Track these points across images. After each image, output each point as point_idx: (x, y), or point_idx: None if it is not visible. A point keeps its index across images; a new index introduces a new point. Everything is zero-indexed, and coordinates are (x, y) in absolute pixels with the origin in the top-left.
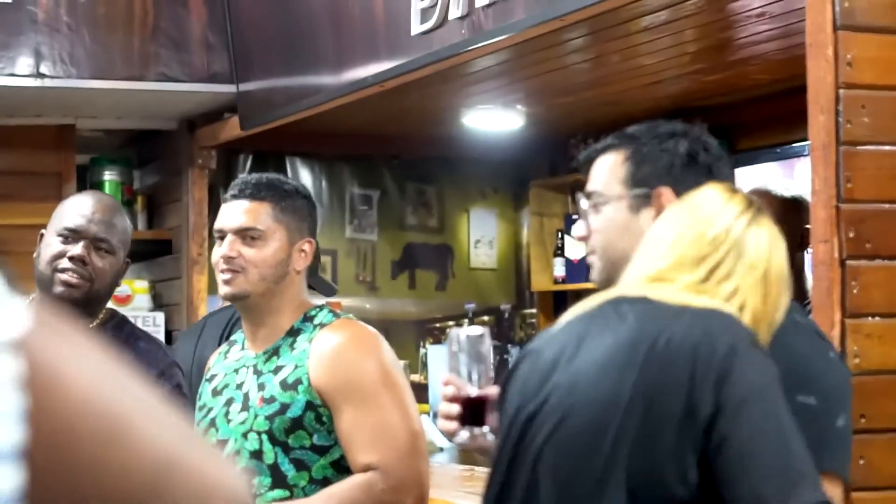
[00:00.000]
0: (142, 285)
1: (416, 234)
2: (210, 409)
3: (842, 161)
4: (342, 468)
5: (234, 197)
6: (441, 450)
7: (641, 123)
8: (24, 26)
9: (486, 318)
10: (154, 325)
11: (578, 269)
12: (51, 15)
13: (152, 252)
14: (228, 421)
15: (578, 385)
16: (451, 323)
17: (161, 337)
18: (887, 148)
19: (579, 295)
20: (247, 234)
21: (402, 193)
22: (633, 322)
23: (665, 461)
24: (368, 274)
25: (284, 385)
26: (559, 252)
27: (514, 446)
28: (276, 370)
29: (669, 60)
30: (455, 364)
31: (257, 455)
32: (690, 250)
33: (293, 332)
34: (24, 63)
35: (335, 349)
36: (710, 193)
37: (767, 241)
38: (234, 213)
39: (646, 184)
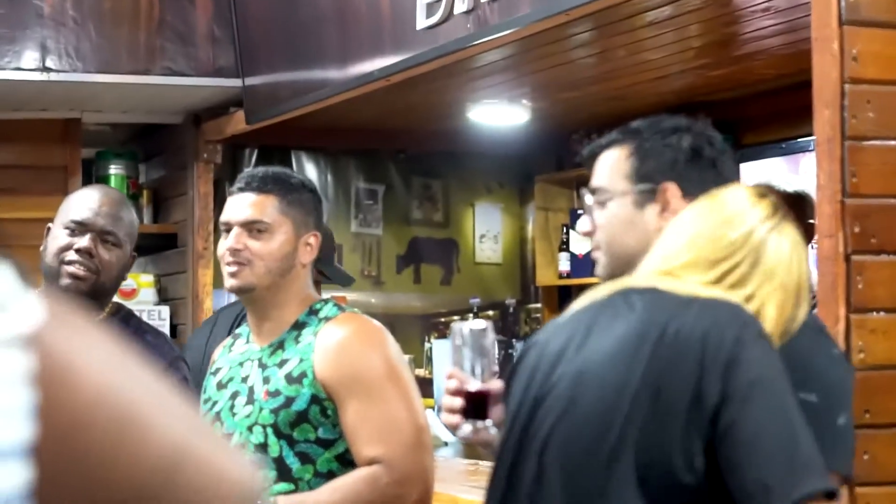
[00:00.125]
0: (147, 279)
1: (421, 228)
2: (215, 403)
3: (847, 156)
4: (347, 462)
5: (241, 190)
6: (445, 444)
7: (645, 118)
8: (29, 20)
9: (490, 312)
10: (159, 318)
11: (583, 264)
12: (57, 9)
13: (157, 246)
14: (234, 414)
15: (587, 373)
16: (455, 317)
17: (166, 331)
18: (892, 143)
19: (584, 289)
20: (253, 227)
21: (408, 188)
22: (642, 311)
23: (673, 448)
24: (373, 268)
25: (289, 378)
26: (564, 247)
27: (520, 434)
28: (282, 363)
29: (674, 55)
30: (458, 358)
31: (262, 448)
32: (706, 251)
33: (298, 326)
34: (30, 57)
35: (340, 343)
36: (737, 194)
37: (789, 249)
38: (241, 205)
39: (650, 179)
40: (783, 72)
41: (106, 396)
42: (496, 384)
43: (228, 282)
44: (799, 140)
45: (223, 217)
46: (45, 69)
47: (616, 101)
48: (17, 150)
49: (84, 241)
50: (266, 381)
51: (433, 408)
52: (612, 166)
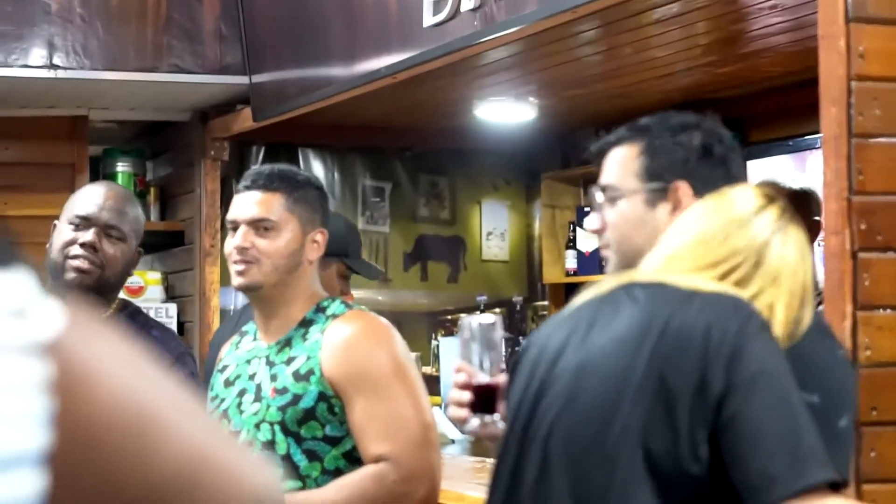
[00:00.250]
0: (154, 276)
1: (428, 226)
2: (222, 400)
3: (853, 153)
4: (354, 459)
5: (247, 188)
6: (452, 442)
7: (653, 115)
8: (37, 18)
9: (497, 310)
10: (166, 316)
11: (590, 262)
12: (64, 6)
13: (165, 243)
14: (241, 412)
15: (589, 365)
16: (462, 315)
17: (174, 328)
18: None
19: None
20: (260, 225)
21: (415, 185)
22: (645, 304)
23: (678, 438)
24: (380, 266)
25: (297, 376)
26: (571, 244)
27: (523, 428)
28: (289, 361)
29: (681, 53)
30: (467, 352)
31: (270, 446)
32: (709, 250)
33: (305, 323)
34: (38, 54)
35: (348, 340)
36: (744, 195)
37: (793, 252)
38: (247, 204)
39: (661, 178)
40: (790, 69)
41: (124, 404)
42: (504, 378)
43: (236, 280)
44: (806, 137)
45: (230, 215)
46: (53, 66)
47: (622, 98)
48: (24, 148)
49: (88, 236)
50: (273, 378)
51: (440, 405)
52: (622, 164)
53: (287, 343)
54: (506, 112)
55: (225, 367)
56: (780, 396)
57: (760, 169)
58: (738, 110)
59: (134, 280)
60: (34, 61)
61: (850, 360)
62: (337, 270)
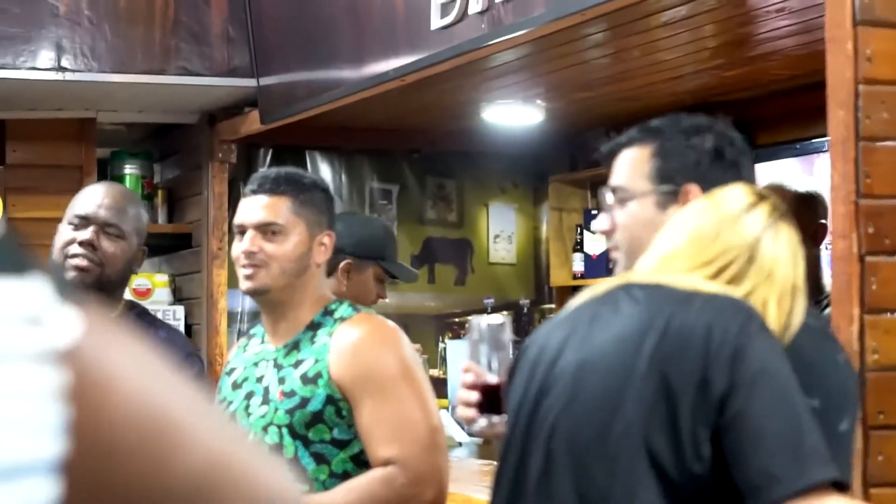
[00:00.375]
0: (162, 279)
1: (435, 228)
2: (230, 403)
3: (861, 156)
4: (362, 462)
5: (254, 192)
6: (460, 444)
7: (665, 117)
8: (45, 20)
9: (504, 312)
10: (174, 318)
11: (597, 265)
12: (72, 9)
13: (172, 246)
14: (248, 414)
15: (590, 363)
16: (470, 317)
17: (182, 331)
18: None
19: None
20: (267, 229)
21: (422, 188)
22: (645, 303)
23: (680, 437)
24: None
25: (305, 379)
26: (578, 247)
27: (526, 427)
28: (297, 364)
29: (689, 56)
30: (475, 352)
31: (277, 449)
32: (702, 249)
33: (313, 326)
34: (46, 57)
35: (355, 343)
36: (735, 194)
37: (784, 249)
38: (254, 208)
39: (673, 180)
40: (797, 72)
41: (141, 410)
42: None
43: (244, 284)
44: (813, 140)
45: (237, 219)
46: (61, 69)
47: (630, 101)
48: (32, 150)
49: (86, 234)
50: (281, 381)
51: (447, 408)
52: (633, 166)
53: (295, 346)
54: (513, 115)
55: (232, 370)
56: (782, 396)
57: (768, 172)
58: (746, 113)
59: (141, 282)
60: (42, 63)
61: (852, 364)
62: (373, 273)
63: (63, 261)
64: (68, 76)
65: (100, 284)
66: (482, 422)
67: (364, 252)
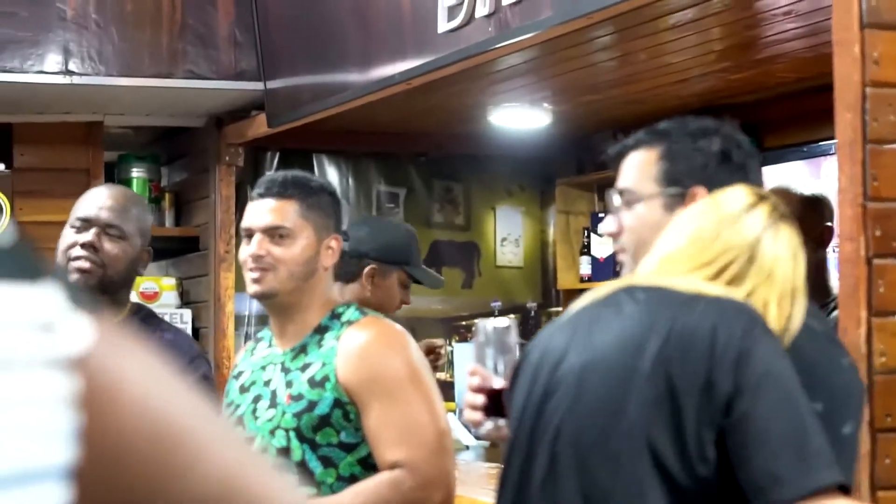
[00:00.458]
0: (169, 282)
1: (442, 231)
2: (237, 406)
3: (868, 159)
4: (369, 465)
5: (261, 196)
6: (467, 448)
7: (672, 120)
8: (52, 24)
9: (512, 316)
10: (181, 321)
11: (605, 268)
12: (79, 12)
13: (180, 249)
14: (256, 418)
15: (593, 365)
16: (477, 321)
17: (189, 335)
18: None
19: None
20: (275, 233)
21: (429, 191)
22: (647, 305)
23: (685, 438)
24: None
25: (312, 382)
26: (585, 250)
27: (530, 430)
28: (304, 367)
29: (696, 58)
30: (481, 355)
31: (285, 452)
32: (702, 249)
33: (320, 330)
34: (53, 60)
35: (363, 347)
36: (736, 195)
37: (784, 250)
38: (262, 211)
39: (680, 183)
40: (804, 75)
41: (154, 421)
42: None
43: (252, 288)
44: (820, 143)
45: (244, 223)
46: (68, 72)
47: (637, 104)
48: (39, 153)
49: (87, 236)
50: (289, 384)
51: (454, 411)
52: (640, 168)
53: (302, 349)
54: (520, 118)
55: (240, 374)
56: (787, 399)
57: (775, 175)
58: (753, 116)
59: (149, 286)
60: (50, 67)
61: (857, 368)
62: (397, 279)
63: (66, 264)
64: (76, 80)
65: (103, 286)
66: (488, 425)
67: (388, 257)
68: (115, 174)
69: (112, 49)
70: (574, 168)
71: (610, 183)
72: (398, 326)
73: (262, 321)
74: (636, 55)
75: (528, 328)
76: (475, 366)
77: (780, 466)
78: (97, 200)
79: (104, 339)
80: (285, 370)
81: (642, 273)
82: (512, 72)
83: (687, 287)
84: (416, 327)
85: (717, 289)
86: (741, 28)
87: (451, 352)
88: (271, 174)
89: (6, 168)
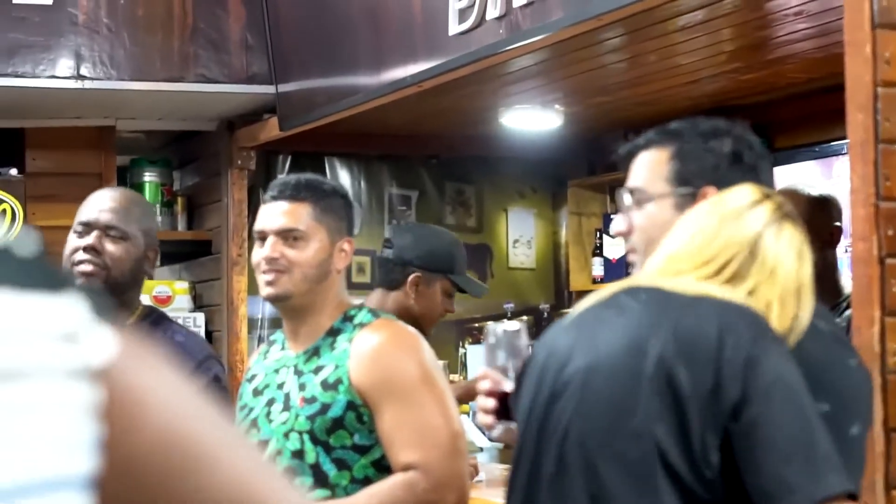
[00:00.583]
0: (182, 286)
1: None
2: (251, 409)
3: (880, 159)
4: (383, 468)
5: (274, 198)
6: (481, 450)
7: (683, 120)
8: (64, 29)
9: (524, 317)
10: (194, 325)
11: (617, 269)
12: (91, 17)
13: (192, 253)
14: (270, 421)
15: (599, 366)
16: (489, 323)
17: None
18: None
19: None
20: (289, 235)
21: (441, 193)
22: (650, 306)
23: (690, 441)
24: None
25: (325, 385)
26: (597, 251)
27: (538, 432)
28: (317, 370)
29: (706, 59)
30: (492, 358)
31: (299, 455)
32: (704, 246)
33: (333, 332)
34: (65, 65)
35: (375, 349)
36: (741, 193)
37: (787, 247)
38: (275, 214)
39: (691, 183)
40: (815, 75)
41: (173, 436)
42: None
43: (265, 290)
44: (832, 143)
45: (257, 226)
46: (80, 77)
47: (648, 105)
48: (52, 158)
49: (89, 240)
50: (302, 387)
51: (468, 413)
52: (651, 168)
53: (315, 352)
54: (532, 120)
55: (253, 377)
56: (796, 406)
57: (786, 175)
58: (764, 116)
59: (162, 289)
60: (61, 72)
61: (864, 368)
62: (441, 287)
63: (70, 268)
64: (87, 84)
65: (109, 288)
66: (500, 428)
67: (432, 265)
68: (127, 178)
69: (124, 53)
70: (586, 169)
71: (622, 184)
72: (410, 328)
73: (275, 324)
74: (647, 56)
75: (540, 330)
76: (486, 369)
77: (790, 474)
78: (97, 204)
79: (126, 352)
80: (298, 373)
81: (647, 272)
82: (523, 73)
83: (689, 288)
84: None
85: (721, 290)
86: (752, 29)
87: (465, 354)
88: (284, 177)
89: (19, 173)
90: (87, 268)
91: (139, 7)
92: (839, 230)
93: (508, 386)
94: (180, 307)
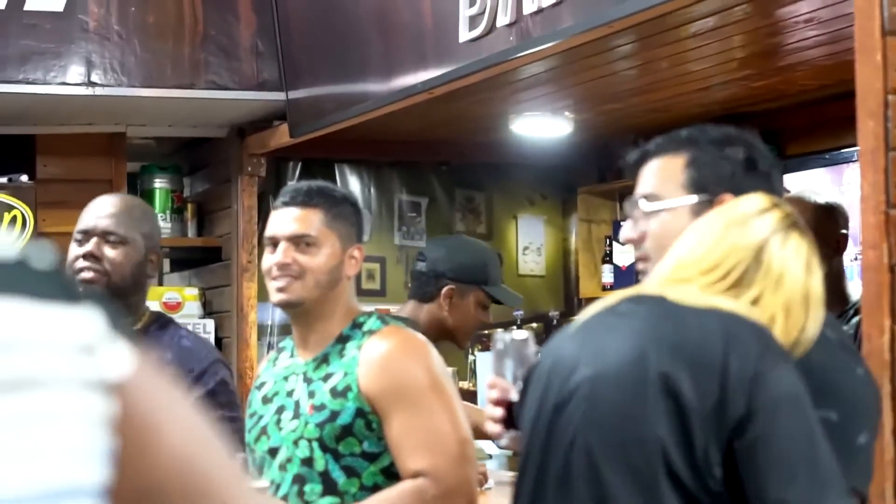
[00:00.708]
0: (192, 292)
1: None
2: (261, 417)
3: (891, 166)
4: (392, 475)
5: (286, 204)
6: (490, 457)
7: (691, 127)
8: (75, 36)
9: (534, 324)
10: (204, 332)
11: (626, 276)
12: (102, 24)
13: (202, 259)
14: (280, 429)
15: (606, 372)
16: (499, 330)
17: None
18: None
19: None
20: (301, 241)
21: (451, 200)
22: (658, 315)
23: (694, 454)
24: None
25: (334, 392)
26: (607, 258)
27: (544, 440)
28: (326, 377)
29: (717, 66)
30: (500, 367)
31: (308, 462)
32: (709, 252)
33: (342, 339)
34: (76, 72)
35: (384, 356)
36: (749, 201)
37: (794, 256)
38: (287, 220)
39: (708, 190)
40: (826, 82)
41: (182, 462)
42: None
43: (277, 296)
44: (842, 151)
45: (268, 232)
46: (91, 84)
47: (659, 112)
48: (62, 165)
49: (88, 246)
50: (311, 395)
51: None
52: (667, 175)
53: (324, 359)
54: (542, 126)
55: (262, 384)
56: (801, 423)
57: (797, 182)
58: (775, 123)
59: (172, 296)
60: (72, 79)
61: (872, 377)
62: (475, 299)
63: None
64: (98, 91)
65: (110, 293)
66: (508, 437)
67: (466, 277)
68: (137, 185)
69: (134, 60)
70: (596, 176)
71: (632, 191)
72: (419, 335)
73: (284, 330)
74: (657, 63)
75: (550, 337)
76: (494, 378)
77: (792, 493)
78: (95, 211)
79: (142, 372)
80: (307, 380)
81: (653, 280)
82: (533, 81)
83: (695, 299)
84: None
85: (726, 301)
86: (762, 36)
87: (474, 361)
88: (295, 184)
89: (29, 179)
90: (88, 274)
91: (150, 14)
92: (845, 238)
93: (515, 395)
94: (190, 313)
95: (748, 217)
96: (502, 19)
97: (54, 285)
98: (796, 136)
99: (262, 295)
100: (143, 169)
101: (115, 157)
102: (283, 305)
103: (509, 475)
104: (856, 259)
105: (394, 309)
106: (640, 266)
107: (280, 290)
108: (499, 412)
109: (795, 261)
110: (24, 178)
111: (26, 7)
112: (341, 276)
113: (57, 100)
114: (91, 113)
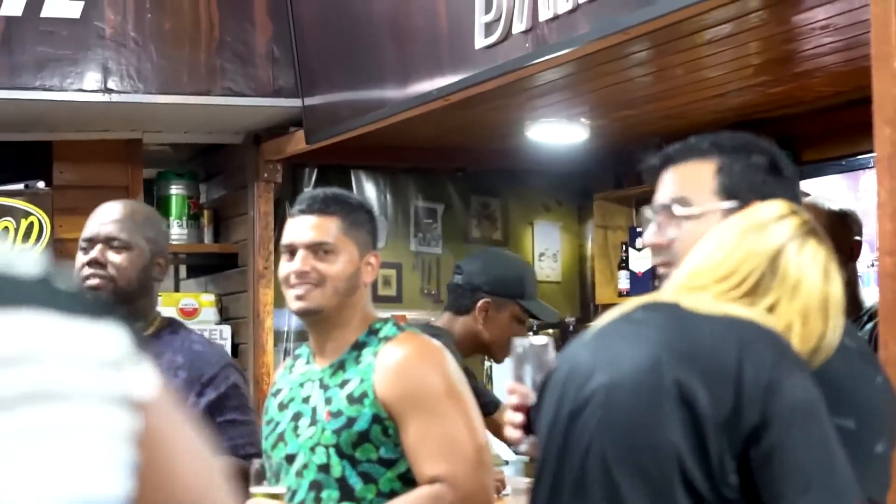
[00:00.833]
0: (208, 299)
1: (480, 247)
2: (277, 424)
3: None
4: (409, 481)
5: (303, 212)
6: (507, 463)
7: (710, 133)
8: (91, 42)
9: (550, 330)
10: (220, 338)
11: (643, 282)
12: (118, 30)
13: (219, 266)
14: (297, 436)
15: (622, 380)
16: (515, 338)
17: (227, 350)
18: None
19: None
20: (319, 249)
21: (467, 206)
22: (673, 323)
23: (710, 462)
24: (433, 287)
25: (351, 399)
26: (623, 265)
27: (560, 447)
28: (343, 384)
29: (733, 73)
30: (520, 372)
31: (325, 469)
32: (726, 258)
33: (358, 346)
34: (92, 78)
35: (400, 362)
36: (767, 208)
37: (812, 263)
38: (304, 227)
39: (739, 197)
40: (842, 89)
41: (187, 490)
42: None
43: (296, 304)
44: (859, 157)
45: (285, 239)
46: (107, 90)
47: (674, 118)
48: (79, 171)
49: (93, 253)
50: (328, 401)
51: None
52: (697, 180)
53: (340, 366)
54: (558, 133)
55: (279, 391)
56: (816, 432)
57: (813, 189)
58: (791, 130)
59: (188, 302)
60: (89, 85)
61: (891, 385)
62: (510, 313)
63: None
64: (114, 97)
65: (117, 298)
66: (527, 442)
67: (502, 290)
68: (153, 191)
69: (151, 67)
70: (612, 183)
71: (648, 197)
72: (435, 342)
73: (300, 337)
74: (673, 70)
75: (566, 343)
76: (513, 384)
77: (808, 501)
78: (99, 218)
79: (162, 394)
80: (324, 387)
81: (670, 287)
82: (549, 87)
83: (710, 307)
84: None
85: (742, 309)
86: (778, 42)
87: (490, 367)
88: (311, 191)
89: (46, 185)
90: (94, 281)
91: (166, 20)
92: (859, 244)
93: (535, 401)
94: (206, 320)
95: (765, 224)
96: (518, 26)
97: (79, 302)
98: (812, 143)
99: (279, 301)
100: (159, 175)
101: (132, 164)
102: (302, 313)
103: (526, 481)
104: (872, 266)
105: (409, 315)
106: (661, 271)
107: (299, 297)
108: (518, 417)
109: (813, 268)
110: (41, 184)
111: (43, 14)
112: (359, 283)
113: (73, 106)
114: (107, 119)
